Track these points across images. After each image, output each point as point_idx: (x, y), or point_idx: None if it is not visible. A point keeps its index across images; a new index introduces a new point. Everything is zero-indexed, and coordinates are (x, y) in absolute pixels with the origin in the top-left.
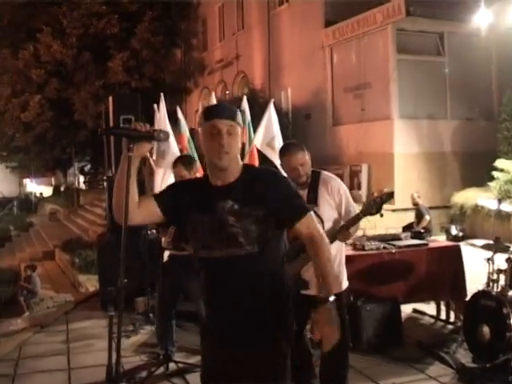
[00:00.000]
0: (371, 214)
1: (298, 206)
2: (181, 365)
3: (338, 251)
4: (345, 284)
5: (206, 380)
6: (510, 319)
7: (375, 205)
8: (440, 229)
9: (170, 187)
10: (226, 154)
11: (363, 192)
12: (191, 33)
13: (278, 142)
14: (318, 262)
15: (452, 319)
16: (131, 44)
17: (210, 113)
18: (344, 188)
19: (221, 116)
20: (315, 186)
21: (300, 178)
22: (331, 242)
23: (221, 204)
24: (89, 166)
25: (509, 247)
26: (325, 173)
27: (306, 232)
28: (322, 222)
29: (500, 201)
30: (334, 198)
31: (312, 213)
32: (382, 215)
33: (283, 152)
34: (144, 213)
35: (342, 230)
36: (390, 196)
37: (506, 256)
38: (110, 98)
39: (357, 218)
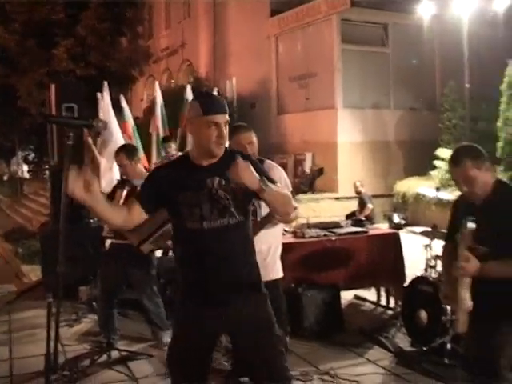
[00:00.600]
0: (304, 192)
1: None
2: (123, 353)
3: (274, 240)
4: (281, 273)
5: (180, 343)
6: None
7: (306, 181)
8: (383, 217)
9: (147, 182)
10: (222, 145)
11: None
12: (137, 20)
13: None
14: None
15: (392, 305)
16: (77, 31)
17: (209, 108)
18: (285, 177)
19: (220, 111)
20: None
21: None
22: (268, 224)
23: (209, 180)
24: (33, 155)
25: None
26: (268, 161)
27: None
28: (259, 204)
29: (438, 189)
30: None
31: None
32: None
33: (233, 132)
34: (138, 218)
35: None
36: (319, 172)
37: (443, 243)
38: (53, 86)
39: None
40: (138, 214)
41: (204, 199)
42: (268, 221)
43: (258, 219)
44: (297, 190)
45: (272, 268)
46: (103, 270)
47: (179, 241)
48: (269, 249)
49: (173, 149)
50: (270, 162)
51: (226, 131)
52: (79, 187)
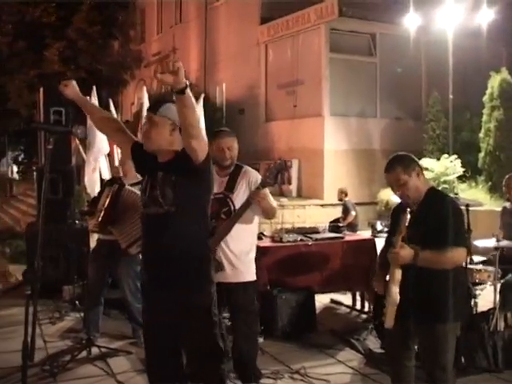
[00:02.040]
0: (270, 185)
1: None
2: (103, 349)
3: (248, 244)
4: (254, 276)
5: (146, 326)
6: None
7: (271, 175)
8: (367, 224)
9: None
10: (146, 140)
11: (293, 187)
12: (129, 24)
13: None
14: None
15: (366, 309)
16: (68, 34)
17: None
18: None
19: (149, 109)
20: (235, 177)
21: (225, 160)
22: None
23: (158, 173)
24: (22, 156)
25: None
26: (247, 167)
27: None
28: (234, 206)
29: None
30: (251, 188)
31: None
32: (274, 184)
33: (214, 136)
34: (117, 135)
35: (247, 203)
36: (281, 166)
37: None
38: (41, 89)
39: (258, 190)
40: (117, 136)
41: (148, 188)
42: (238, 216)
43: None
44: (263, 184)
45: (245, 271)
46: (92, 267)
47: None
48: (241, 252)
49: None
50: (249, 168)
51: (150, 128)
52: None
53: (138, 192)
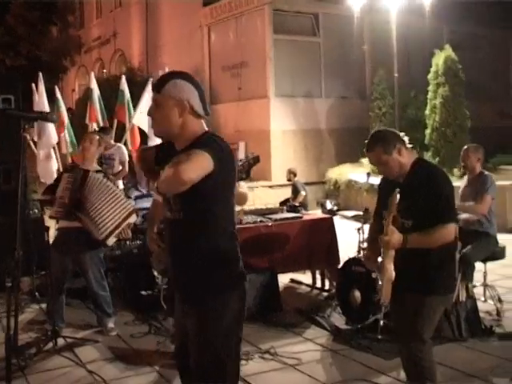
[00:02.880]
0: (242, 179)
1: None
2: (69, 339)
3: None
4: None
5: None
6: (377, 283)
7: (243, 169)
8: (316, 203)
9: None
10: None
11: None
12: (68, 9)
13: None
14: None
15: (327, 287)
16: (6, 20)
17: (206, 111)
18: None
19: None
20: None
21: None
22: None
23: None
24: None
25: None
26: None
27: None
28: None
29: (369, 175)
30: None
31: None
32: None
33: None
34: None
35: None
36: (255, 160)
37: None
38: None
39: None
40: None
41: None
42: None
43: None
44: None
45: None
46: (54, 256)
47: None
48: None
49: (108, 139)
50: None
51: (155, 110)
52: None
53: (105, 180)
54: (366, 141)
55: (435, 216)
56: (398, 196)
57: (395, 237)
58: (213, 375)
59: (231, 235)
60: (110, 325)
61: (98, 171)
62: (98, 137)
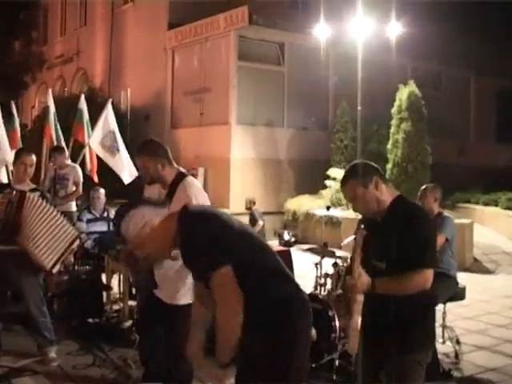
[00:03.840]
0: None
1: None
2: (6, 369)
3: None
4: (183, 300)
5: None
6: (334, 321)
7: None
8: (274, 234)
9: None
10: None
11: None
12: (31, 24)
13: (112, 140)
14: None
15: None
16: None
17: None
18: (199, 198)
19: None
20: (175, 188)
21: (145, 178)
22: None
23: None
24: None
25: (334, 253)
26: (188, 179)
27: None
28: None
29: (328, 208)
30: (187, 201)
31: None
32: None
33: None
34: None
35: None
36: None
37: (333, 261)
38: None
39: None
40: None
41: None
42: None
43: None
44: None
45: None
46: None
47: None
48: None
49: (64, 159)
50: (191, 180)
51: None
52: None
53: (44, 202)
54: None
55: (411, 259)
56: (364, 233)
57: (362, 280)
58: None
59: None
60: (52, 354)
61: (33, 189)
62: (33, 157)
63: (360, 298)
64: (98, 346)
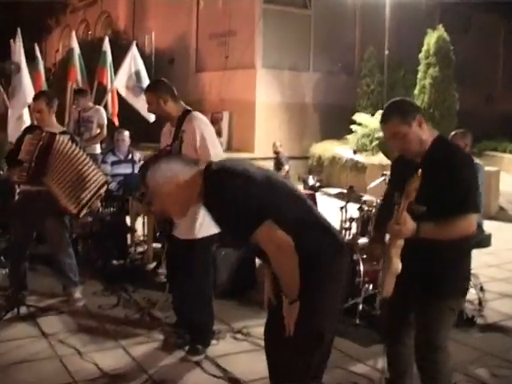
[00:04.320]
0: None
1: None
2: (32, 308)
3: None
4: (201, 233)
5: None
6: (359, 265)
7: None
8: (298, 179)
9: None
10: None
11: (224, 139)
12: None
13: (135, 81)
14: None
15: None
16: None
17: None
18: (202, 128)
19: None
20: (181, 122)
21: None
22: None
23: None
24: None
25: (361, 196)
26: (194, 113)
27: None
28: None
29: (355, 152)
30: (192, 136)
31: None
32: None
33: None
34: None
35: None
36: None
37: (358, 205)
38: None
39: None
40: None
41: None
42: None
43: None
44: None
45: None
46: (15, 219)
47: None
48: None
49: (87, 101)
50: (196, 114)
51: None
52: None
53: (74, 146)
54: (382, 111)
55: (454, 204)
56: (419, 179)
57: (408, 226)
58: None
59: None
60: (77, 295)
61: (62, 132)
62: (40, 102)
63: (401, 242)
64: (123, 287)
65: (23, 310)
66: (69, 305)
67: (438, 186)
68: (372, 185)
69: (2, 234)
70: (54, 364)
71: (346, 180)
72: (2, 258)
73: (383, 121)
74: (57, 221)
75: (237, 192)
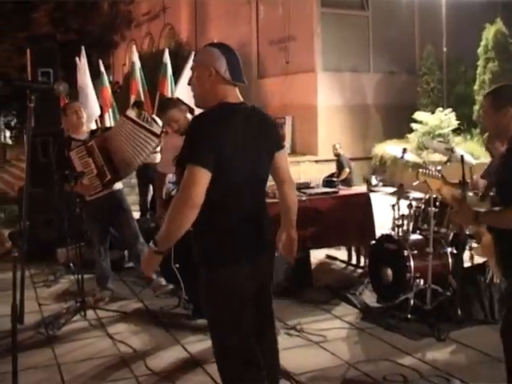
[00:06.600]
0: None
1: None
2: (98, 311)
3: None
4: None
5: None
6: (409, 261)
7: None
8: (362, 179)
9: None
10: None
11: (287, 143)
12: None
13: None
14: None
15: (362, 264)
16: None
17: (238, 78)
18: None
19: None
20: None
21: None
22: None
23: None
24: (15, 121)
25: (408, 193)
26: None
27: None
28: None
29: (405, 150)
30: None
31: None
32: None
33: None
34: None
35: None
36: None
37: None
38: (28, 51)
39: None
40: None
41: None
42: None
43: None
44: None
45: None
46: (92, 227)
47: None
48: None
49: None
50: None
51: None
52: None
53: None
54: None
55: None
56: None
57: (463, 212)
58: None
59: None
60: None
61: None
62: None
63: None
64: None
65: (90, 312)
66: (133, 307)
67: (505, 178)
68: (416, 182)
69: (71, 242)
70: (115, 360)
71: (408, 179)
72: (72, 265)
73: (484, 96)
74: (127, 214)
75: (201, 128)
